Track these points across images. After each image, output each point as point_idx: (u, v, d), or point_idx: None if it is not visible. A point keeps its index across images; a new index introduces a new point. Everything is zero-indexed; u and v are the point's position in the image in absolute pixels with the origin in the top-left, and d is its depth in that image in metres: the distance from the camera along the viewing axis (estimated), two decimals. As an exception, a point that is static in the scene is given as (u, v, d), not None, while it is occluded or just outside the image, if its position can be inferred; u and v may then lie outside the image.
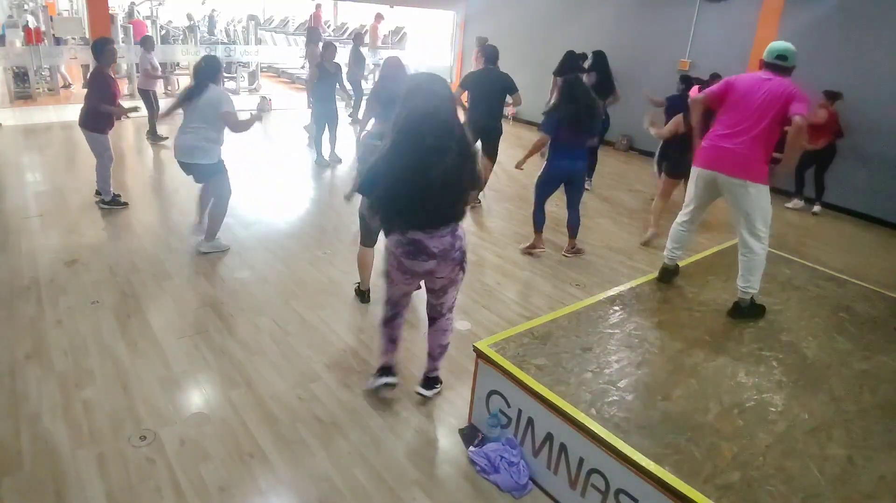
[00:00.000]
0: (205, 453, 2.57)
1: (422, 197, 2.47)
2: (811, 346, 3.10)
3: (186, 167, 4.33)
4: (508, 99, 5.98)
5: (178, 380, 3.04)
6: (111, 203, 5.22)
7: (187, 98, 4.25)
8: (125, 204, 5.29)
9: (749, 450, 2.24)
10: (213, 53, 5.13)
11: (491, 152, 5.90)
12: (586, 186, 6.96)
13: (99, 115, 4.94)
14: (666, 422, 2.36)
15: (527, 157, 4.76)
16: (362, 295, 3.98)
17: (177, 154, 4.29)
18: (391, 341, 2.94)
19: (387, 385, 2.94)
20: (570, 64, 7.40)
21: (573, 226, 4.95)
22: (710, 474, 2.10)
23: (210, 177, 4.40)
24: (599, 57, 6.94)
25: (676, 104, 6.06)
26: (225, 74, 11.92)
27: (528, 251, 4.97)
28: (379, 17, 12.92)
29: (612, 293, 3.47)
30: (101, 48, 5.00)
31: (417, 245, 2.55)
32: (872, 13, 6.83)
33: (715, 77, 7.31)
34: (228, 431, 2.70)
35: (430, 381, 2.99)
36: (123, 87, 9.74)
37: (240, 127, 4.30)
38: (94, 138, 5.01)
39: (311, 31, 9.74)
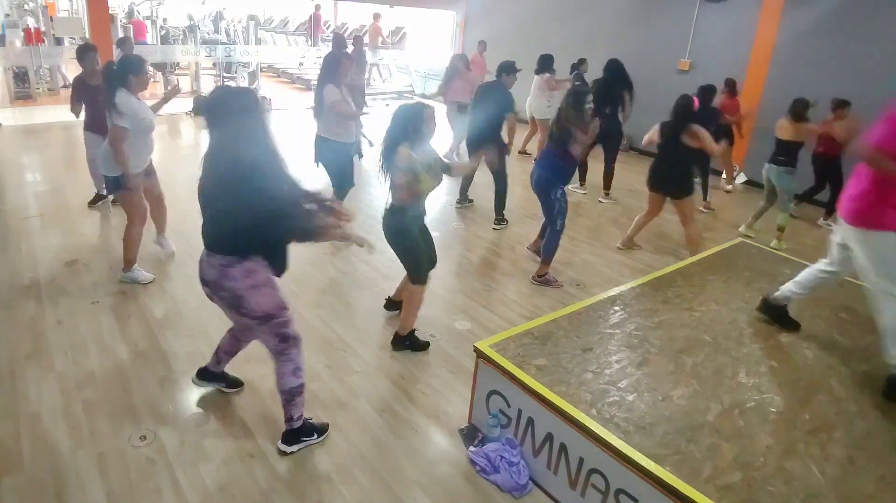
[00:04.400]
0: (205, 453, 2.57)
1: (202, 205, 2.33)
2: (811, 346, 3.09)
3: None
4: None
5: (178, 380, 3.04)
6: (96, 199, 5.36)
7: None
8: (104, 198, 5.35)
9: (749, 451, 2.24)
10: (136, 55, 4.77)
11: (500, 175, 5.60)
12: (578, 189, 6.94)
13: (86, 116, 4.98)
14: (666, 422, 2.35)
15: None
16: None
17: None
18: (216, 349, 2.86)
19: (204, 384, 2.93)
20: (548, 64, 7.58)
21: (543, 247, 4.50)
22: (711, 474, 2.10)
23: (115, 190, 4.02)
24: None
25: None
26: (225, 74, 11.94)
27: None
28: (377, 16, 12.92)
29: (612, 293, 3.47)
30: (82, 56, 4.96)
31: (200, 263, 2.42)
32: (872, 13, 6.83)
33: (730, 84, 7.25)
34: (228, 431, 2.70)
35: (289, 435, 2.59)
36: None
37: (117, 152, 3.71)
38: (87, 138, 5.05)
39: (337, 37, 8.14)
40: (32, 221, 4.90)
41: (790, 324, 3.25)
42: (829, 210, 6.42)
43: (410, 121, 3.09)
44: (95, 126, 4.91)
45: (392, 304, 3.89)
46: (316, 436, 2.65)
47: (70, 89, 5.17)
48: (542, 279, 4.45)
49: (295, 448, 2.59)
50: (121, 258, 4.03)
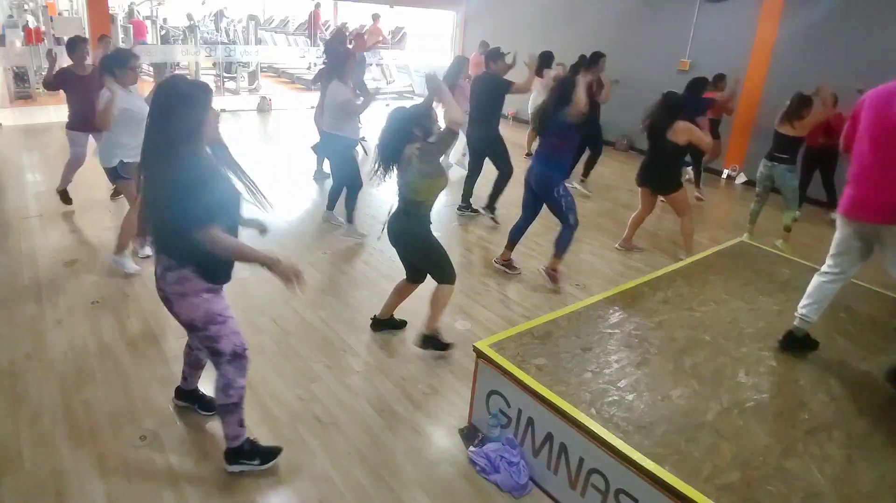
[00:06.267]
0: (205, 453, 2.57)
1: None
2: (811, 346, 3.09)
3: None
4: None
5: (178, 380, 3.03)
6: (60, 194, 5.19)
7: None
8: (69, 202, 5.21)
9: (749, 450, 2.24)
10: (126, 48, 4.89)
11: (502, 166, 5.52)
12: (579, 186, 6.92)
13: (70, 113, 5.00)
14: (666, 421, 2.36)
15: None
16: (375, 323, 3.64)
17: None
18: (183, 368, 2.76)
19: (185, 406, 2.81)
20: (549, 62, 7.48)
21: (556, 241, 4.33)
22: (710, 474, 2.10)
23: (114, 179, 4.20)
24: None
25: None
26: (225, 74, 11.94)
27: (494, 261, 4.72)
28: (377, 17, 12.92)
29: (611, 293, 3.47)
30: (73, 47, 4.96)
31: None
32: (872, 13, 6.83)
33: (720, 78, 7.27)
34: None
35: (228, 454, 2.46)
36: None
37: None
38: (68, 135, 5.07)
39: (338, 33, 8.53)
40: (32, 221, 4.90)
41: (811, 345, 3.06)
42: (833, 203, 6.57)
43: (419, 122, 3.06)
44: (80, 123, 4.96)
45: (380, 324, 3.63)
46: (258, 461, 2.46)
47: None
48: (553, 273, 4.36)
49: (235, 468, 2.45)
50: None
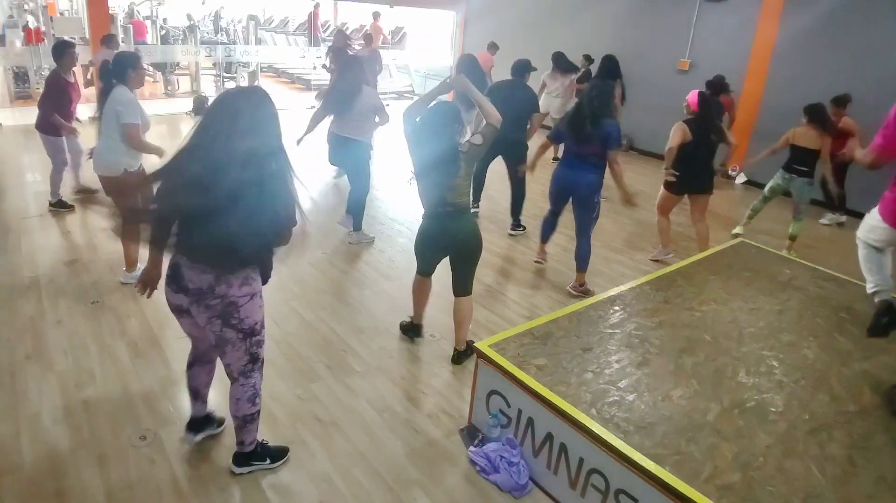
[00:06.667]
0: (205, 453, 2.57)
1: (186, 211, 2.07)
2: (812, 346, 3.09)
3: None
4: None
5: (178, 380, 3.04)
6: (56, 205, 5.13)
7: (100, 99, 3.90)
8: (70, 206, 5.15)
9: (749, 451, 2.24)
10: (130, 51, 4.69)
11: (518, 182, 5.39)
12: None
13: (42, 114, 4.91)
14: (666, 422, 2.35)
15: (535, 160, 4.76)
16: (412, 329, 3.59)
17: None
18: (191, 392, 2.55)
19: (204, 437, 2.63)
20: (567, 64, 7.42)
21: (579, 257, 4.32)
22: (711, 474, 2.09)
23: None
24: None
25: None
26: (225, 74, 11.94)
27: (535, 261, 4.79)
28: (377, 15, 12.91)
29: (612, 293, 3.47)
30: (61, 52, 4.84)
31: (175, 270, 2.16)
32: (873, 12, 6.82)
33: (719, 78, 7.27)
34: (228, 431, 2.69)
35: (239, 457, 2.46)
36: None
37: (141, 147, 3.78)
38: (46, 140, 4.96)
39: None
40: (32, 221, 4.90)
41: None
42: (841, 207, 6.73)
43: (458, 118, 3.08)
44: (54, 126, 4.86)
45: (413, 329, 3.59)
46: (269, 461, 2.49)
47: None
48: (582, 289, 4.32)
49: (245, 470, 2.45)
50: (120, 258, 4.03)
